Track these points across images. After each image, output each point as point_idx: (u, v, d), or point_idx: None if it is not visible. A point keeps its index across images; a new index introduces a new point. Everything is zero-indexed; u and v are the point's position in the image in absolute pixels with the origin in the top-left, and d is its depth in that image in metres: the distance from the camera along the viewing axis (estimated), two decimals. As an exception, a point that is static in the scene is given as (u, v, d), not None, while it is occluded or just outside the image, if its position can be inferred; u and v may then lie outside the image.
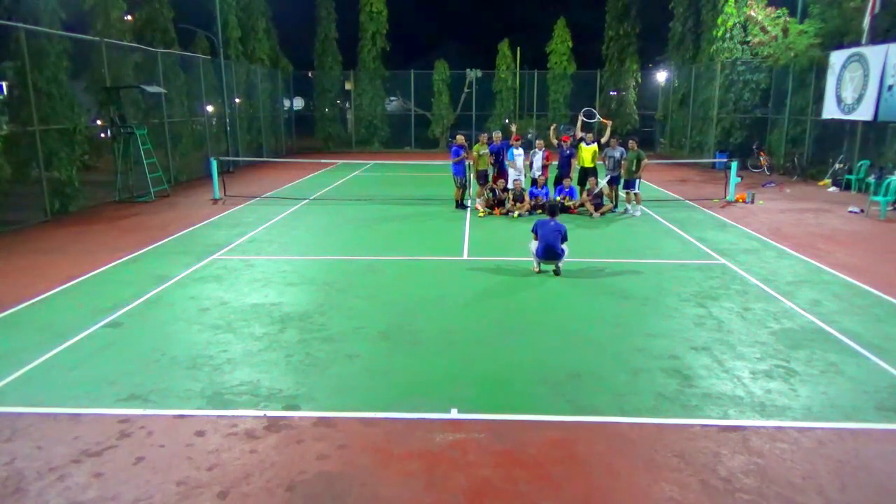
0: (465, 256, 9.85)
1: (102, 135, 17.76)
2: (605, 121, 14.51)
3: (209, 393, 5.19)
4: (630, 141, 13.43)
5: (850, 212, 13.13)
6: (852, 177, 16.40)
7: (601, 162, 13.67)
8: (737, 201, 14.60)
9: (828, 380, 5.43)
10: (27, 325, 6.77)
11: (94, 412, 4.86)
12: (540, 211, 12.59)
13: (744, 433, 4.56)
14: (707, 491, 3.90)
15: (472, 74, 30.73)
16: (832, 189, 16.52)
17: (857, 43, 16.48)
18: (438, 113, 31.02)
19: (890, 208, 12.91)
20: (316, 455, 4.30)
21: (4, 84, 13.10)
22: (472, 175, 13.95)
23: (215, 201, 14.90)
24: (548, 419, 4.79)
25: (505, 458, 4.26)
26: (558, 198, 13.11)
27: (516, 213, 12.97)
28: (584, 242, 10.66)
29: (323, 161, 21.99)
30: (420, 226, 12.41)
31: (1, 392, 5.21)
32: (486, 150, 13.48)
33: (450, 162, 13.95)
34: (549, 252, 8.51)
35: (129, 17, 18.48)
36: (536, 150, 13.67)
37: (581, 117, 14.32)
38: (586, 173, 13.55)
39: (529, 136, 30.70)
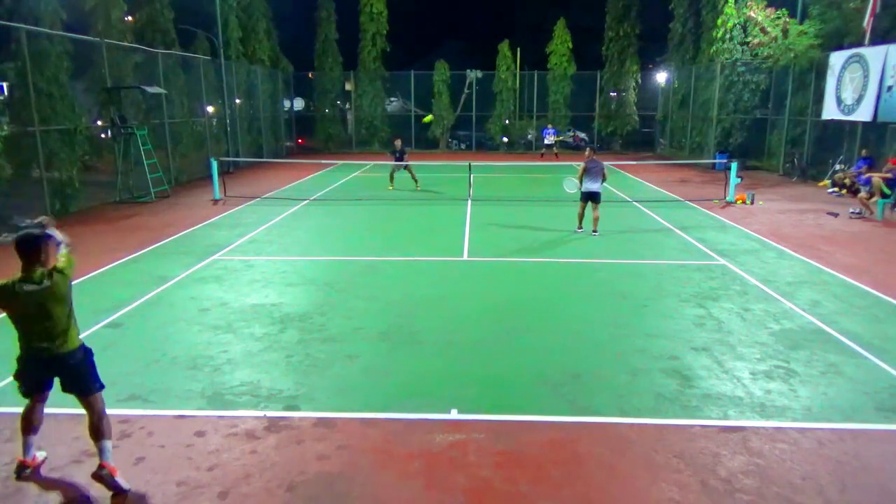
0: (465, 257, 9.85)
1: (103, 135, 17.78)
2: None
3: (209, 393, 5.19)
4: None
5: (851, 213, 13.12)
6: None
7: None
8: (737, 202, 14.61)
9: (827, 380, 5.43)
10: (27, 326, 6.76)
11: (94, 412, 4.86)
12: None
13: (744, 434, 4.56)
14: (707, 491, 3.90)
15: (473, 75, 30.74)
16: (832, 190, 16.52)
17: (858, 44, 16.49)
18: (438, 113, 31.03)
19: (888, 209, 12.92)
20: (316, 455, 4.30)
21: (5, 84, 13.11)
22: None
23: (215, 202, 14.90)
24: (548, 420, 4.79)
25: (505, 458, 4.27)
26: None
27: None
28: (584, 242, 10.68)
29: (323, 162, 21.99)
30: (420, 226, 12.43)
31: (1, 392, 5.21)
32: None
33: (449, 162, 13.82)
34: None
35: (130, 18, 18.51)
36: None
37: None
38: None
39: (529, 136, 30.80)
